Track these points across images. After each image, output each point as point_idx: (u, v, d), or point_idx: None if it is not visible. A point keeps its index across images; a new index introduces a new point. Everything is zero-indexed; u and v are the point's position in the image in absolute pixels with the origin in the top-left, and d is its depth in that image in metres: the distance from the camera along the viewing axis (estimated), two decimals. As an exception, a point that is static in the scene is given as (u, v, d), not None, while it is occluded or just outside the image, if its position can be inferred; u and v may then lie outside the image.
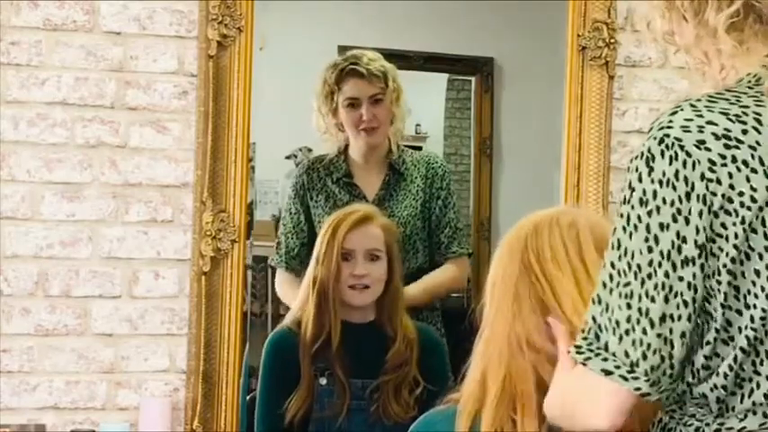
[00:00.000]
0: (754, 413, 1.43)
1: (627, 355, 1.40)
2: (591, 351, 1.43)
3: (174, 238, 2.78)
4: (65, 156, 2.73)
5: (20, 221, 2.71)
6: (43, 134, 2.72)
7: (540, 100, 3.42)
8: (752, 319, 1.41)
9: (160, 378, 2.77)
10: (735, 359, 1.43)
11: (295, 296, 2.90)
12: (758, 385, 1.43)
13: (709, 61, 1.55)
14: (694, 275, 1.40)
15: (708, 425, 1.45)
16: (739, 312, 1.42)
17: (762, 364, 1.42)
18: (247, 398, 2.90)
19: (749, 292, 1.41)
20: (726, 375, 1.43)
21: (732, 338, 1.43)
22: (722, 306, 1.42)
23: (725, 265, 1.41)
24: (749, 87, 1.48)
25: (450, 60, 3.75)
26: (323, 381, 2.70)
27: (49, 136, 2.73)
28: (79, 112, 2.74)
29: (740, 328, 1.42)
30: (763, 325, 1.41)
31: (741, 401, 1.44)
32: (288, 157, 3.66)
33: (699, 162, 1.40)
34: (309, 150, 3.59)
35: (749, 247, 1.40)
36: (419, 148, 3.48)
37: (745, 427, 1.43)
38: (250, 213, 3.30)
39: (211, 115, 2.76)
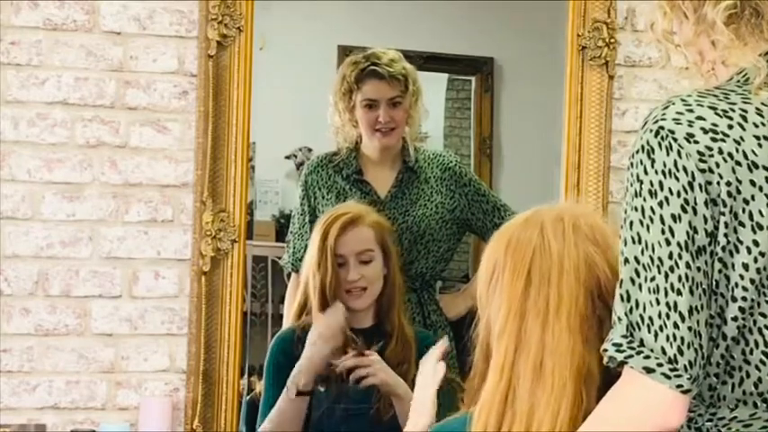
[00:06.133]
0: (745, 403, 1.45)
1: (664, 351, 1.40)
2: (632, 349, 1.42)
3: (174, 238, 2.78)
4: (65, 156, 2.73)
5: (20, 221, 2.71)
6: (43, 134, 2.72)
7: (540, 100, 3.42)
8: (741, 310, 1.44)
9: (160, 378, 2.77)
10: (726, 348, 1.45)
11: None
12: (747, 374, 1.45)
13: (702, 60, 1.58)
14: (706, 263, 1.43)
15: (701, 415, 1.47)
16: (727, 302, 1.44)
17: (751, 353, 1.45)
18: (247, 398, 2.90)
19: (737, 284, 1.43)
20: (718, 364, 1.45)
21: (723, 326, 1.45)
22: (715, 293, 1.44)
23: (716, 254, 1.43)
24: (738, 86, 1.51)
25: (450, 60, 3.74)
26: (321, 387, 2.67)
27: (49, 136, 2.73)
28: (79, 112, 2.74)
29: (730, 318, 1.44)
30: (752, 314, 1.44)
31: (732, 390, 1.45)
32: (288, 157, 3.66)
33: (690, 155, 1.43)
34: (309, 150, 3.59)
35: (738, 239, 1.43)
36: (419, 148, 3.47)
37: (735, 417, 1.45)
38: (250, 213, 3.30)
39: (211, 115, 2.76)
